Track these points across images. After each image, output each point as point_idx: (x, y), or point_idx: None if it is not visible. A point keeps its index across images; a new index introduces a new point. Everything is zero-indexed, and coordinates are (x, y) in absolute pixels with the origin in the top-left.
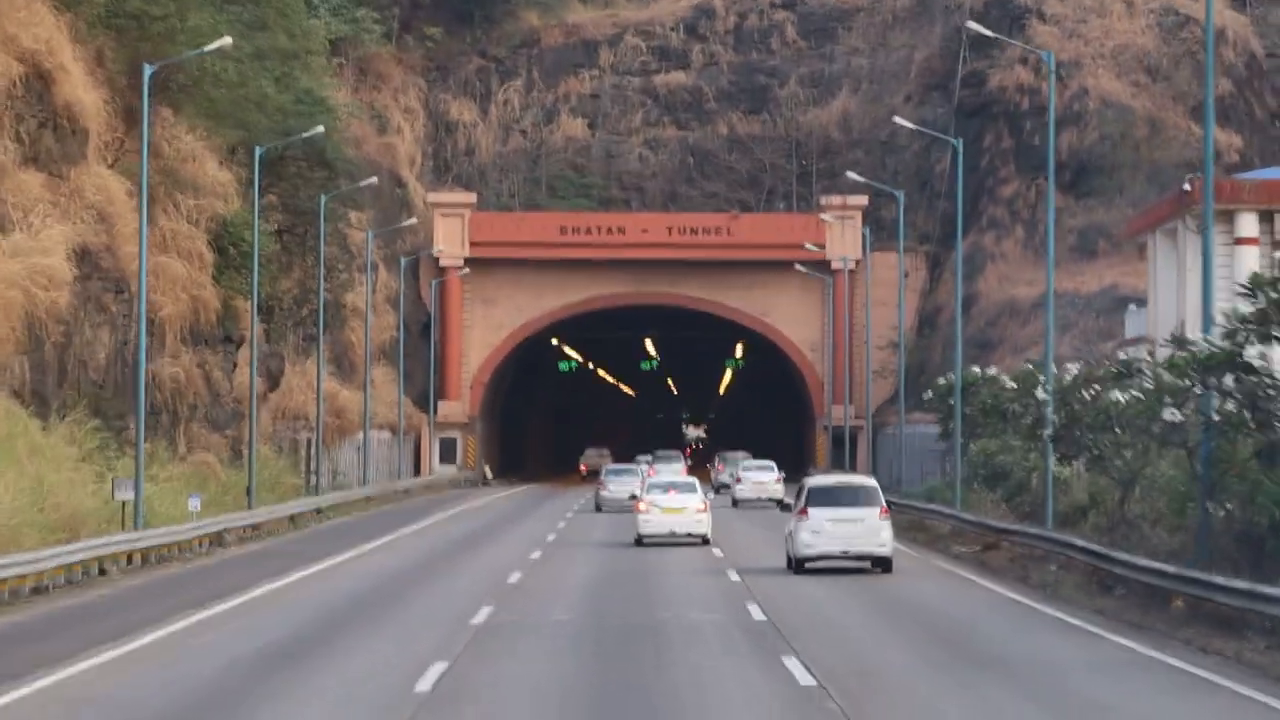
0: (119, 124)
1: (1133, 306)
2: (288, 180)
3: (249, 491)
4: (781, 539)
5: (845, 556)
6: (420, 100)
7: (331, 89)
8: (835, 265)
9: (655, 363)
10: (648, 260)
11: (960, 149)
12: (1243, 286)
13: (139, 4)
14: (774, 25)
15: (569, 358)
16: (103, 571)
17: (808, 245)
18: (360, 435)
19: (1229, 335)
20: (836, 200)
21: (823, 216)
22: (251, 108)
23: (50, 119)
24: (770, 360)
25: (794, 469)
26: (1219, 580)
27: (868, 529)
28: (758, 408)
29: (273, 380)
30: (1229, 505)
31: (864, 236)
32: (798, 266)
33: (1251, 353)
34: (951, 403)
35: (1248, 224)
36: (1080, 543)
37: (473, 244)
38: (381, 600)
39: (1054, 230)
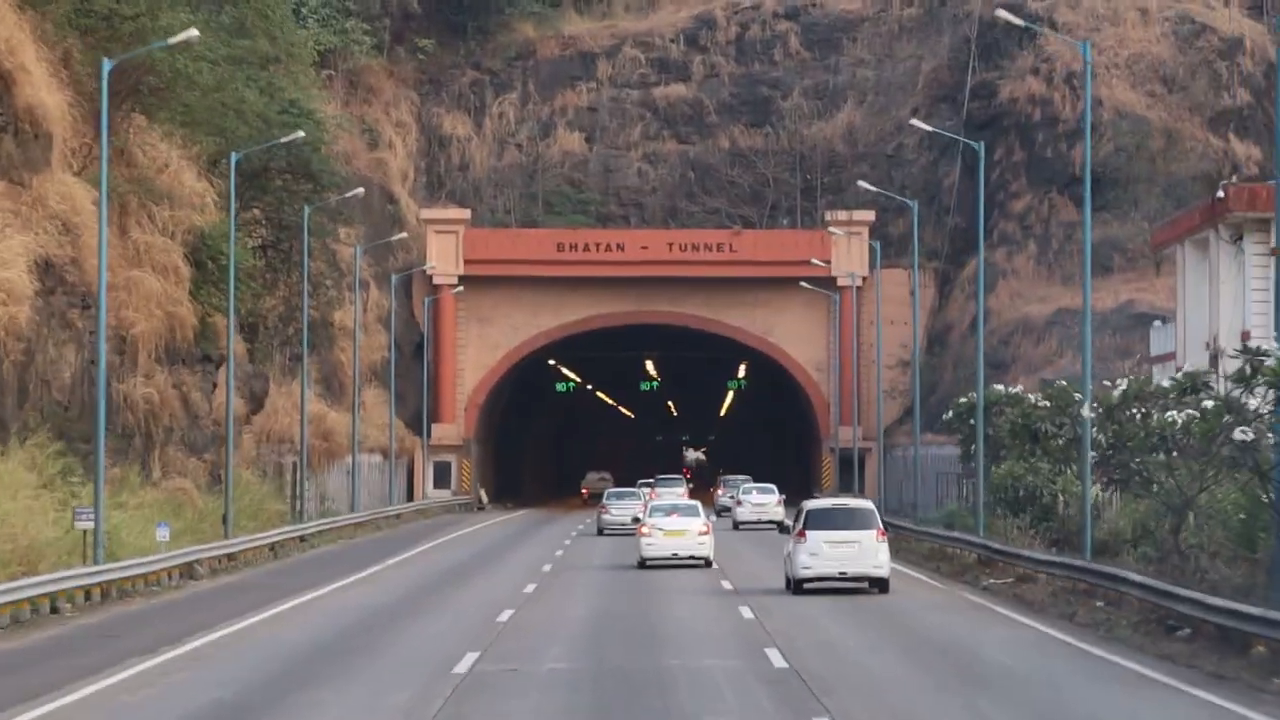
0: (86, 129)
1: (1157, 323)
2: (272, 194)
3: (225, 519)
4: (781, 560)
5: (843, 578)
6: (413, 114)
7: (320, 101)
8: (842, 282)
9: (655, 384)
10: (647, 278)
11: (981, 152)
12: None
13: (108, 3)
14: (777, 36)
15: (567, 379)
16: (54, 610)
17: (814, 261)
18: (349, 459)
19: None
20: (842, 216)
21: (832, 229)
22: (230, 115)
23: (10, 122)
24: (774, 381)
25: (799, 493)
26: None
27: (864, 550)
28: (760, 430)
29: (256, 402)
30: None
31: (873, 250)
32: (802, 284)
33: None
34: (972, 423)
35: None
36: (1136, 578)
37: (467, 261)
38: (354, 645)
39: (1078, 243)
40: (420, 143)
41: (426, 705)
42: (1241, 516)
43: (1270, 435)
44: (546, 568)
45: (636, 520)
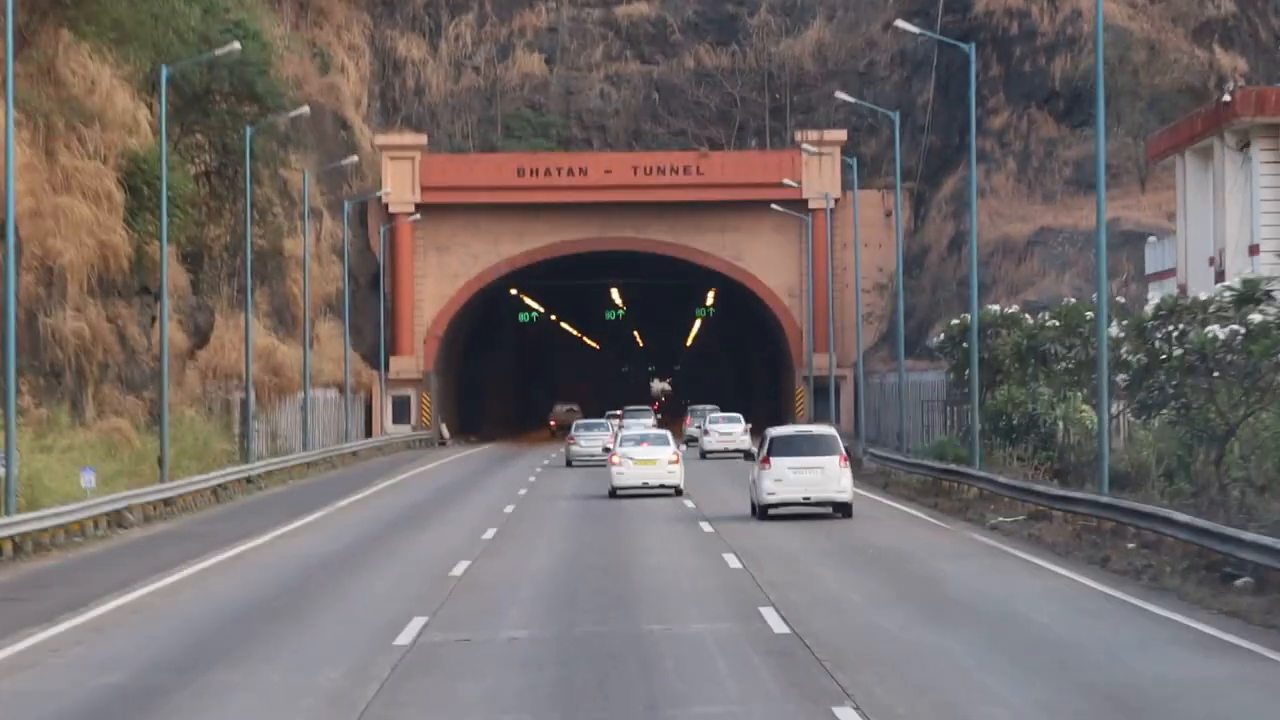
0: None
1: (1152, 238)
2: (215, 117)
3: (161, 461)
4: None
5: (806, 503)
6: (365, 37)
7: (268, 23)
8: (813, 204)
9: (621, 313)
10: (612, 203)
11: (973, 54)
12: None
13: None
14: None
15: (529, 308)
16: None
17: (787, 182)
18: (307, 395)
19: None
20: (813, 135)
21: (805, 146)
22: (168, 34)
23: None
24: (744, 308)
25: (771, 423)
26: None
27: (827, 476)
28: (729, 359)
29: (201, 336)
30: None
31: (848, 166)
32: (773, 206)
33: None
34: (965, 346)
35: None
36: (1182, 518)
37: (424, 188)
38: (284, 607)
39: (1059, 160)
40: (374, 66)
41: (358, 690)
42: None
43: None
44: (509, 509)
45: (607, 450)
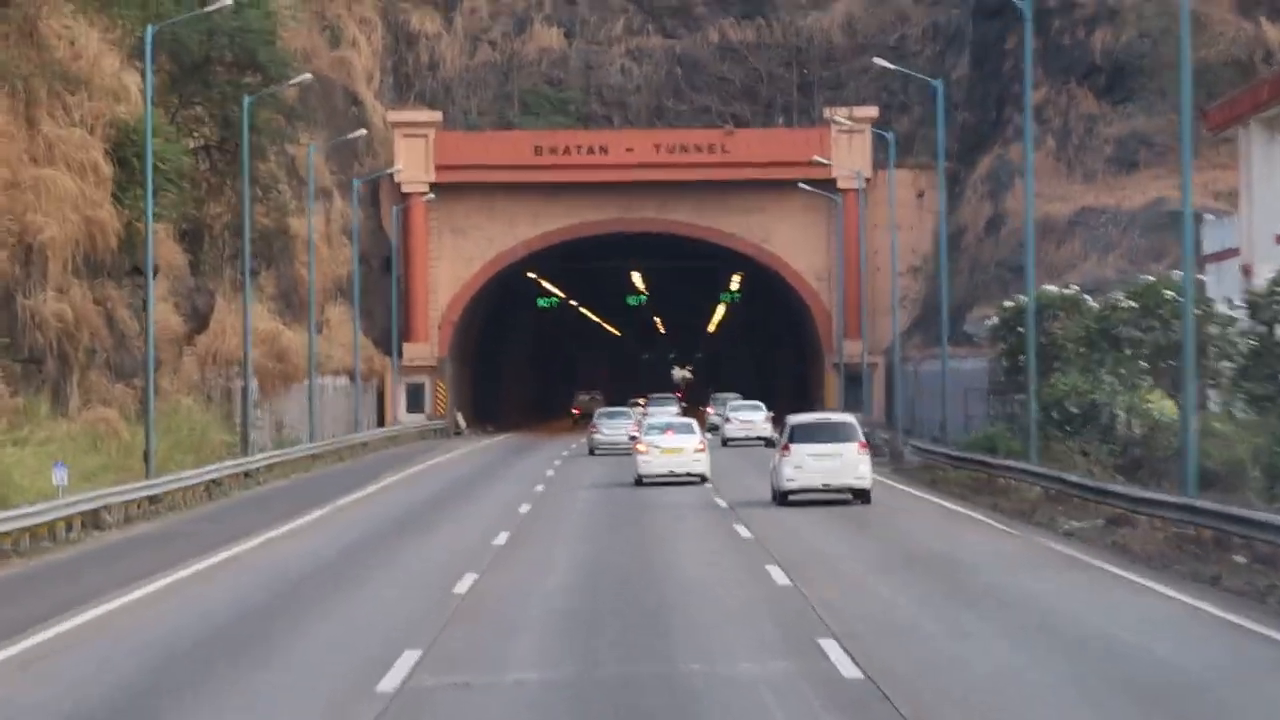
0: None
1: (1210, 217)
2: (216, 88)
3: (147, 455)
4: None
5: (826, 489)
6: (377, 9)
7: None
8: (843, 184)
9: (643, 298)
10: (633, 183)
11: (1028, 11)
12: None
13: None
14: None
15: (548, 293)
16: None
17: (818, 159)
18: (312, 383)
19: None
20: (843, 112)
21: (837, 119)
22: None
23: None
24: (770, 292)
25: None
26: None
27: (846, 463)
28: (754, 345)
29: (199, 320)
30: None
31: (884, 141)
32: (802, 185)
33: None
34: (1021, 330)
35: None
36: None
37: (438, 167)
38: (253, 636)
39: (1100, 137)
40: (386, 40)
41: None
42: None
43: None
44: (524, 507)
45: (633, 439)
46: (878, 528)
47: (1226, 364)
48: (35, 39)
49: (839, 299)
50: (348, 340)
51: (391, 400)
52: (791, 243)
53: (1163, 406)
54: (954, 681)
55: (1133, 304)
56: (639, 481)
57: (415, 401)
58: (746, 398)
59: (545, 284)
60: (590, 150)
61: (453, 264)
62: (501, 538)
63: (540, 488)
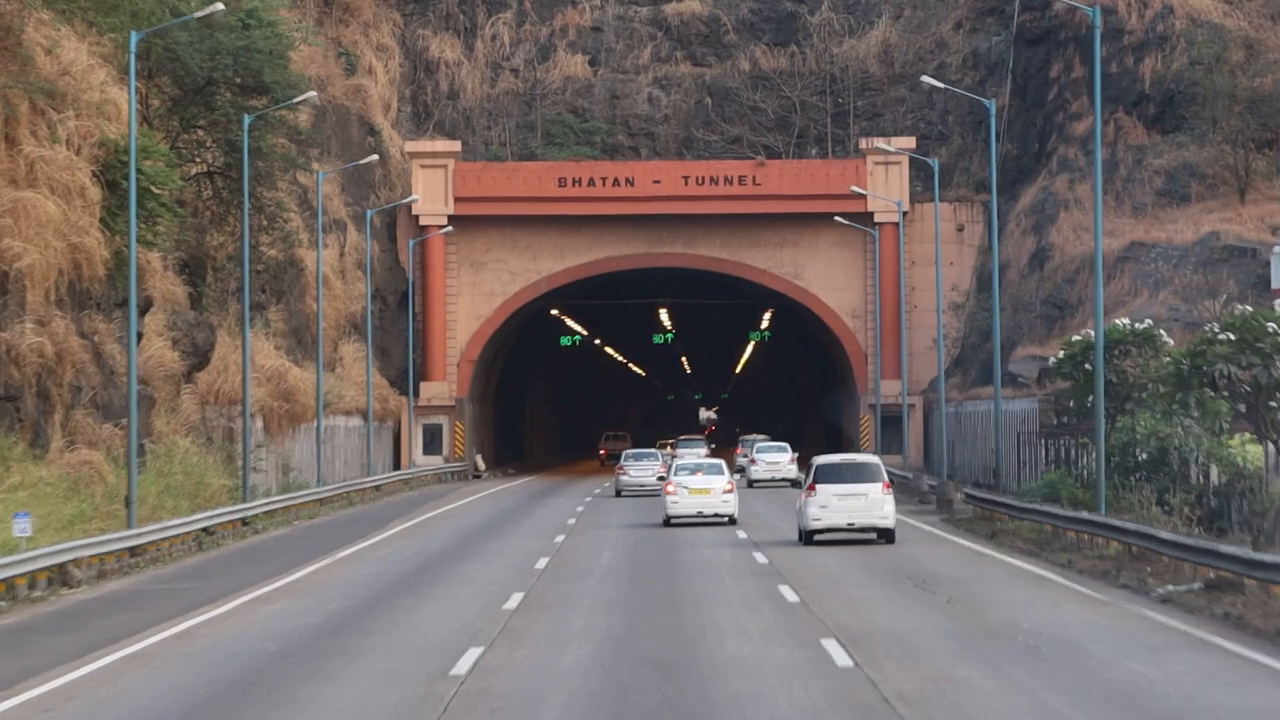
0: None
1: (1278, 249)
2: (219, 110)
3: (128, 502)
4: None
5: (850, 529)
6: (395, 36)
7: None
8: (880, 218)
9: (670, 336)
10: (660, 216)
11: (1098, 19)
12: None
13: None
14: None
15: (571, 331)
16: None
17: (855, 189)
18: (320, 423)
19: None
20: (879, 143)
21: (878, 144)
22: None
23: None
24: (801, 330)
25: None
26: None
27: (871, 503)
28: (783, 385)
29: (199, 356)
30: None
31: (926, 168)
32: (837, 219)
33: None
34: (1088, 368)
35: None
36: None
37: (458, 199)
38: None
39: (1149, 169)
40: (404, 68)
41: None
42: None
43: None
44: (541, 563)
45: (661, 479)
46: (945, 593)
47: None
48: (16, 50)
49: (876, 337)
50: (361, 379)
51: (408, 442)
52: (825, 278)
53: (1245, 452)
54: None
55: (1230, 335)
56: (667, 522)
57: (433, 443)
58: (774, 439)
59: (569, 321)
60: (616, 182)
61: (472, 300)
62: (513, 600)
63: (560, 538)
